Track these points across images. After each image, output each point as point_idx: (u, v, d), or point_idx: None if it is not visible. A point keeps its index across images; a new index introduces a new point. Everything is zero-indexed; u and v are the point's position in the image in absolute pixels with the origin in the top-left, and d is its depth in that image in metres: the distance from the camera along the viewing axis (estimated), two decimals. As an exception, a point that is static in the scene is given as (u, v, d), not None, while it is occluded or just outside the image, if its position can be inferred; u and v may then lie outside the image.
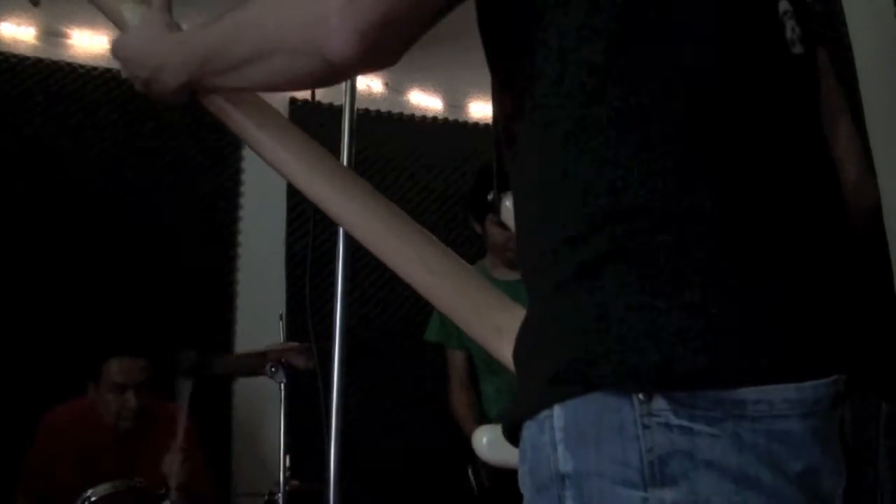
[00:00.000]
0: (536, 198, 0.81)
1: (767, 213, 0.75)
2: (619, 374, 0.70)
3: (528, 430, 0.77)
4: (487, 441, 0.98)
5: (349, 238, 1.74)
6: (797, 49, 0.83)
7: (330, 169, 1.06)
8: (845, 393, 0.72)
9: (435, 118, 4.28)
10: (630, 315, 0.71)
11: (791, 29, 0.83)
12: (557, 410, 0.73)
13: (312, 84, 0.92)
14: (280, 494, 2.40)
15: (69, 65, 3.60)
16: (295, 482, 2.50)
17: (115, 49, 1.09)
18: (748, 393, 0.69)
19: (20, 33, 3.57)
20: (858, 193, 1.62)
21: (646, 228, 0.73)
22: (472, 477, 2.87)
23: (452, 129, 4.28)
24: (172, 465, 2.89)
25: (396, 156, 4.10)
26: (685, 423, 0.69)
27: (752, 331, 0.71)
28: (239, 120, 1.06)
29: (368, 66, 0.82)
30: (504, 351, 1.00)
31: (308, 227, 3.79)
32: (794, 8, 0.84)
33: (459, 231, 4.04)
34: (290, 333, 2.79)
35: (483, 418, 2.96)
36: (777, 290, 0.73)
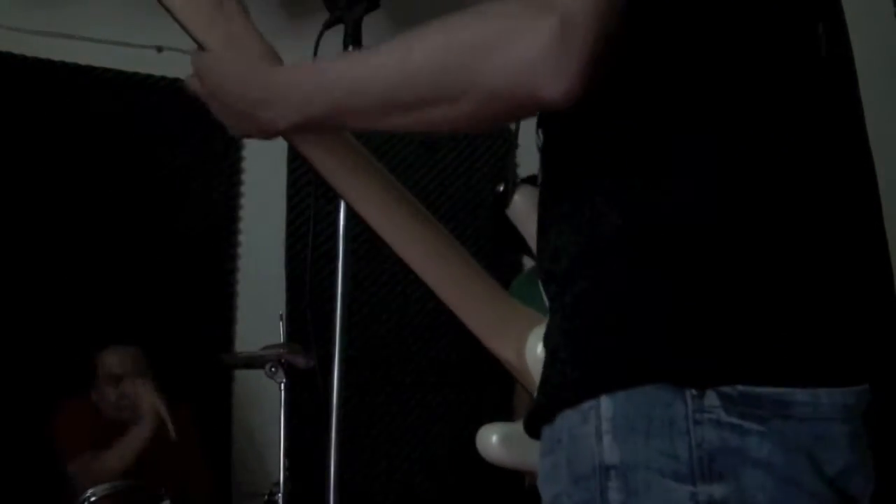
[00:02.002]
0: (595, 188, 0.79)
1: (818, 225, 0.76)
2: (673, 369, 0.71)
3: (567, 419, 0.76)
4: (498, 439, 0.95)
5: (349, 238, 1.74)
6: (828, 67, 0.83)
7: (353, 159, 1.07)
8: (876, 401, 0.74)
9: (435, 118, 4.27)
10: (686, 312, 0.72)
11: (824, 50, 0.83)
12: (605, 401, 0.73)
13: (499, 122, 0.87)
14: (280, 494, 2.40)
15: (68, 65, 3.59)
16: (295, 482, 2.50)
17: (202, 71, 0.97)
18: (798, 394, 0.71)
19: (21, 33, 3.57)
20: None
21: (708, 230, 0.74)
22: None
23: (452, 129, 4.27)
24: (173, 465, 2.90)
25: (395, 155, 4.10)
26: (735, 420, 0.70)
27: (807, 333, 0.73)
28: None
29: (580, 98, 0.72)
30: (506, 347, 1.01)
31: (308, 227, 3.80)
32: (827, 29, 0.84)
33: (462, 231, 4.04)
34: (290, 333, 2.79)
35: None
36: (831, 298, 0.75)
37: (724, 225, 0.74)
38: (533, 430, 0.84)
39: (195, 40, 1.02)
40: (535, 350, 0.97)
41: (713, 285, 0.72)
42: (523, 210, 1.04)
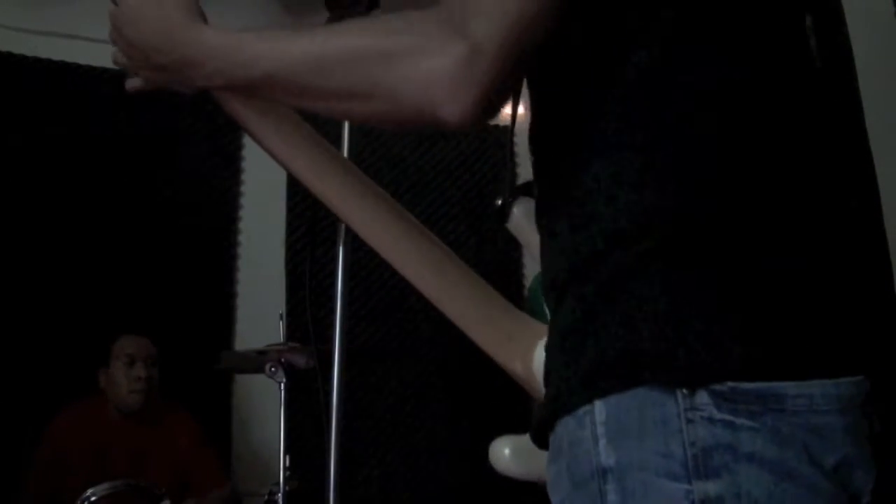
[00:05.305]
0: (577, 201, 0.80)
1: (808, 217, 0.76)
2: (663, 369, 0.71)
3: (566, 426, 0.77)
4: (511, 451, 0.95)
5: (349, 238, 1.74)
6: (818, 63, 0.82)
7: (343, 171, 1.06)
8: (875, 392, 0.74)
9: (435, 118, 4.27)
10: (673, 312, 0.72)
11: (813, 43, 0.82)
12: (599, 405, 0.74)
13: (403, 128, 0.89)
14: (280, 494, 2.40)
15: (67, 64, 3.59)
16: (295, 482, 2.51)
17: (121, 21, 1.00)
18: (789, 387, 0.70)
19: (21, 33, 3.58)
20: None
21: (690, 230, 0.74)
22: None
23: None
24: (181, 465, 2.92)
25: (396, 155, 4.10)
26: (727, 416, 0.70)
27: (795, 326, 0.72)
28: (255, 123, 1.05)
29: (476, 125, 0.76)
30: (513, 358, 1.01)
31: (308, 227, 3.81)
32: (816, 22, 0.83)
33: (461, 231, 4.05)
34: (290, 333, 2.79)
35: None
36: (819, 289, 0.74)
37: (708, 227, 0.74)
38: (539, 440, 0.85)
39: None
40: (541, 360, 0.96)
41: (699, 286, 0.72)
42: (523, 222, 1.04)
